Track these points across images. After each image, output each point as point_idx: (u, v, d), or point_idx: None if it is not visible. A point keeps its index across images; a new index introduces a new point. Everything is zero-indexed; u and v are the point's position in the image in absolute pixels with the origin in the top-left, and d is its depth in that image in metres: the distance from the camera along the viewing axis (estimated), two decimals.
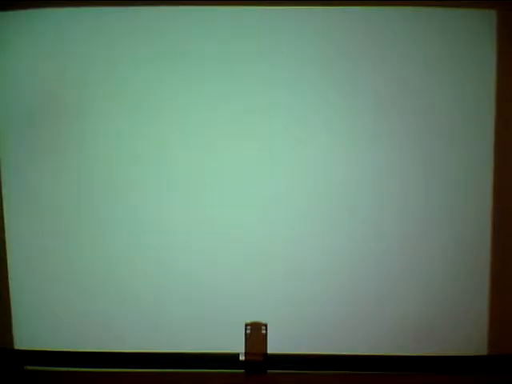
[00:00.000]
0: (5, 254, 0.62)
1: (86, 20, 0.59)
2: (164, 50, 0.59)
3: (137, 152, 0.60)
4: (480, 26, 0.58)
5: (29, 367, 0.63)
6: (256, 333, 0.61)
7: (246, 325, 0.61)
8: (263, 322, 0.61)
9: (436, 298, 0.62)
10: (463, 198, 0.61)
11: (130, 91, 0.60)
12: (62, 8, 0.59)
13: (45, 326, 0.63)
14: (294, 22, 0.59)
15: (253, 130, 0.60)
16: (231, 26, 0.59)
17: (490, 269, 0.61)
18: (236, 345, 0.61)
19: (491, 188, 0.60)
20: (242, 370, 0.62)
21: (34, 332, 0.63)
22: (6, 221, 0.62)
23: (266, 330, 0.61)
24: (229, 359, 0.62)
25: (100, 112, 0.60)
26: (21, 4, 0.59)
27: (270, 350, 0.62)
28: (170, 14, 0.59)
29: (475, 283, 0.61)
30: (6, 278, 0.62)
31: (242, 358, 0.62)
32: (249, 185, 0.61)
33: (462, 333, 0.62)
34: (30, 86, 0.60)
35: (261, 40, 0.59)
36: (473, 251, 0.61)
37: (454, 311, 0.62)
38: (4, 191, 0.62)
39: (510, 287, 0.61)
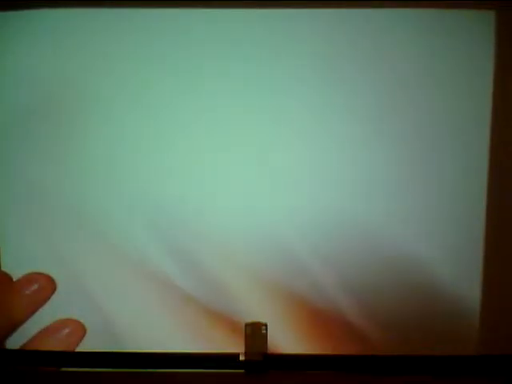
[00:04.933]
0: None
1: (85, 20, 0.59)
2: (164, 50, 0.59)
3: (138, 152, 0.61)
4: (479, 26, 0.58)
5: (21, 367, 0.63)
6: (256, 333, 0.61)
7: (246, 325, 0.61)
8: (263, 321, 0.61)
9: (428, 298, 0.62)
10: (460, 198, 0.61)
11: (130, 91, 0.60)
12: (61, 8, 0.59)
13: (39, 325, 0.62)
14: (293, 23, 0.59)
15: (252, 131, 0.60)
16: (231, 27, 0.59)
17: (483, 270, 0.61)
18: (236, 345, 0.61)
19: (486, 188, 0.60)
20: (242, 370, 0.62)
21: (26, 332, 0.62)
22: (3, 220, 0.62)
23: (266, 330, 0.61)
24: (229, 359, 0.62)
25: (100, 112, 0.60)
26: (21, 4, 0.59)
27: (269, 350, 0.62)
28: (170, 15, 0.59)
29: (467, 284, 0.61)
30: None
31: (241, 358, 0.62)
32: (247, 186, 0.61)
33: (453, 333, 0.62)
34: (30, 85, 0.60)
35: (260, 41, 0.59)
36: (466, 250, 0.61)
37: (445, 312, 0.62)
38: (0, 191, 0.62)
39: (502, 288, 0.61)
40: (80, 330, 0.61)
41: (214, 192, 0.61)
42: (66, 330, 0.61)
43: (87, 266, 0.62)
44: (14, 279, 0.62)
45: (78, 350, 0.62)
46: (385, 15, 0.59)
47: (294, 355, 0.63)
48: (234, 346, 0.61)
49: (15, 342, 0.62)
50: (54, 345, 0.61)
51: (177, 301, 0.62)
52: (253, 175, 0.61)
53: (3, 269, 0.62)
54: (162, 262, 0.61)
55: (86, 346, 0.62)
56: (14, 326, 0.60)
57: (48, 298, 0.61)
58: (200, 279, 0.62)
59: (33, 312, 0.61)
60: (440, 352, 0.62)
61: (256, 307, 0.61)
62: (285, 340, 0.62)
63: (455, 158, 0.60)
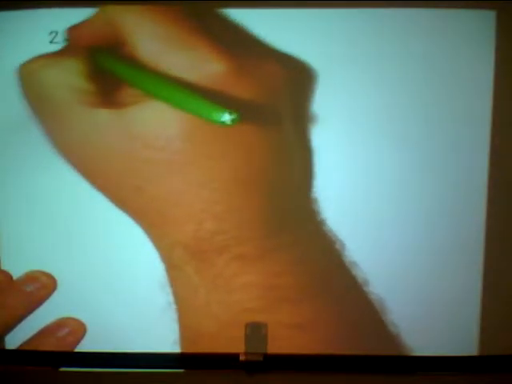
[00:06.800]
0: None
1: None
2: None
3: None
4: (480, 26, 0.59)
5: (20, 367, 0.63)
6: (256, 333, 0.61)
7: (246, 325, 0.61)
8: (263, 321, 0.61)
9: (427, 298, 0.62)
10: (460, 201, 0.61)
11: None
12: (59, 8, 0.59)
13: (39, 325, 0.62)
14: (292, 24, 0.59)
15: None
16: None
17: (483, 269, 0.61)
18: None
19: (486, 189, 0.60)
20: (242, 370, 0.62)
21: (26, 331, 0.62)
22: (1, 220, 0.62)
23: (266, 330, 0.61)
24: (229, 359, 0.62)
25: None
26: (20, 4, 0.59)
27: (269, 350, 0.62)
28: None
29: (467, 284, 0.61)
30: None
31: (242, 357, 0.62)
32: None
33: (452, 333, 0.62)
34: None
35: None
36: (466, 251, 0.61)
37: (445, 312, 0.62)
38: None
39: (502, 288, 0.61)
40: (79, 329, 0.61)
41: None
42: (66, 330, 0.61)
43: (87, 265, 0.62)
44: (14, 278, 0.62)
45: (78, 349, 0.62)
46: (385, 15, 0.59)
47: (294, 355, 0.63)
48: (234, 346, 0.61)
49: (15, 341, 0.62)
50: (53, 344, 0.61)
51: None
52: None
53: (3, 268, 0.62)
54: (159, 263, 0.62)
55: (86, 345, 0.62)
56: (13, 323, 0.60)
57: (48, 296, 0.61)
58: None
59: (32, 309, 0.61)
60: (440, 352, 0.62)
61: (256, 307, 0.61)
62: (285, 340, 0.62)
63: (453, 159, 0.60)
